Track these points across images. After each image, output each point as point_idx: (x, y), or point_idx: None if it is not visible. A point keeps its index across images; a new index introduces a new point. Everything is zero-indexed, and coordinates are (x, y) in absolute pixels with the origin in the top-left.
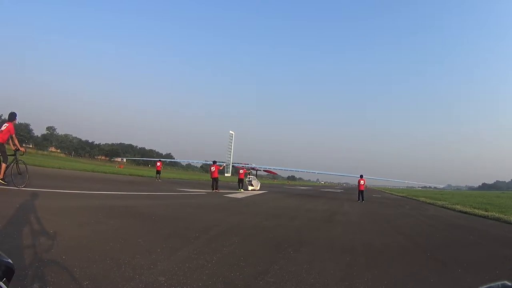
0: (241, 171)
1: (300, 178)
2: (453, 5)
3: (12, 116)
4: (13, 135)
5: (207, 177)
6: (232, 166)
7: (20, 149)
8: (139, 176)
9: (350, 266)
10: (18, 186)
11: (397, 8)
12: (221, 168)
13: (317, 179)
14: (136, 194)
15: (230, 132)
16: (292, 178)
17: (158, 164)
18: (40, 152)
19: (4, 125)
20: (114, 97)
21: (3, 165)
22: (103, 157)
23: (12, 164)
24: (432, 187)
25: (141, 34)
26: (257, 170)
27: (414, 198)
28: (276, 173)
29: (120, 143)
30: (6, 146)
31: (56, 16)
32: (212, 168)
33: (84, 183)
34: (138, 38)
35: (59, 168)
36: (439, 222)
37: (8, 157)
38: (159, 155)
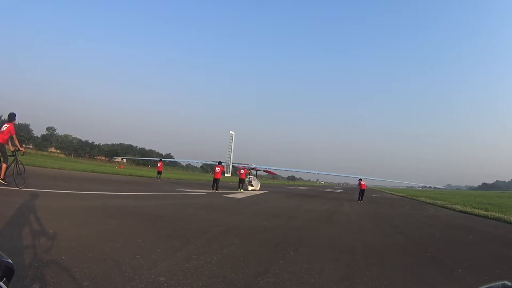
0: (242, 171)
1: (300, 178)
2: (453, 5)
3: (12, 116)
4: (14, 136)
5: (207, 177)
6: (232, 166)
7: (20, 149)
8: (139, 176)
9: (350, 266)
10: (18, 186)
11: (398, 8)
12: (224, 169)
13: (317, 179)
14: (136, 194)
15: (231, 132)
16: (292, 178)
17: (159, 164)
18: (40, 152)
19: (5, 125)
20: (114, 97)
21: (4, 165)
22: (103, 158)
23: (13, 164)
24: (432, 187)
25: (141, 34)
26: (257, 170)
27: (414, 198)
28: (275, 174)
29: (120, 143)
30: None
31: (55, 16)
32: (216, 168)
33: (84, 183)
34: (138, 38)
35: (59, 168)
36: (439, 222)
37: (8, 157)
38: (158, 155)
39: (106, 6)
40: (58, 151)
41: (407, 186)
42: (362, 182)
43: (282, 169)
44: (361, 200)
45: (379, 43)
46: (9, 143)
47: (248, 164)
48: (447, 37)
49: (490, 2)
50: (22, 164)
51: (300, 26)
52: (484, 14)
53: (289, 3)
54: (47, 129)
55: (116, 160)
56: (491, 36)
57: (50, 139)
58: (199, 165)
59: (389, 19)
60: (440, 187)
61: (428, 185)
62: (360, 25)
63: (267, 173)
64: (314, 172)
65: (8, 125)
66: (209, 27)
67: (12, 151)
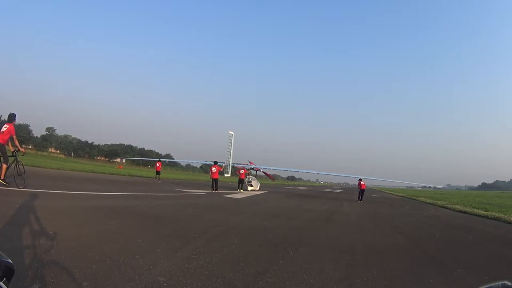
0: (241, 171)
1: (299, 178)
2: (453, 5)
3: (12, 117)
4: (14, 136)
5: (207, 177)
6: (232, 166)
7: (20, 149)
8: (138, 176)
9: (350, 266)
10: (19, 187)
11: (398, 8)
12: (221, 169)
13: (317, 179)
14: (136, 194)
15: (230, 132)
16: (291, 178)
17: (158, 164)
18: (39, 153)
19: (5, 126)
20: (114, 97)
21: (4, 166)
22: (102, 158)
23: (13, 165)
24: (432, 187)
25: (141, 34)
26: (256, 171)
27: (414, 198)
28: (273, 178)
29: (120, 144)
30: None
31: (55, 16)
32: (213, 168)
33: (84, 183)
34: (138, 38)
35: (59, 168)
36: (438, 222)
37: (9, 158)
38: (158, 155)
39: (106, 6)
40: (58, 152)
41: (407, 186)
42: (362, 182)
43: (282, 169)
44: (361, 200)
45: (379, 43)
46: (9, 143)
47: (247, 164)
48: (447, 37)
49: (490, 2)
50: (22, 164)
51: (300, 26)
52: (484, 14)
53: (289, 3)
54: (47, 129)
55: (115, 160)
56: (491, 36)
57: (49, 139)
58: (198, 165)
59: (389, 19)
60: (440, 187)
61: (428, 185)
62: (360, 25)
63: (265, 174)
64: (313, 172)
65: (8, 126)
66: (209, 27)
67: (12, 152)
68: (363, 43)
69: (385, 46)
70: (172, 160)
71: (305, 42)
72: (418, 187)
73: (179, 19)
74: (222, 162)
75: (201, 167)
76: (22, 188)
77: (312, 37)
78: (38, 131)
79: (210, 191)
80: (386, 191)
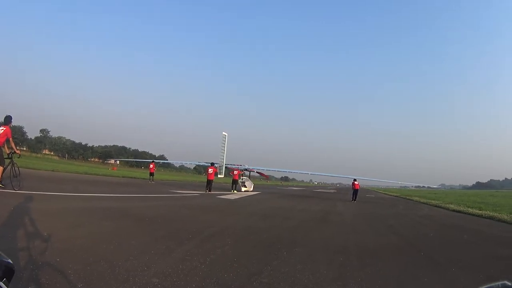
0: (235, 172)
1: (293, 179)
2: (453, 5)
3: (8, 119)
4: (10, 139)
5: (200, 178)
6: (226, 167)
7: (16, 151)
8: (132, 178)
9: (344, 266)
10: (14, 189)
11: (398, 8)
12: (217, 171)
13: (310, 180)
14: (130, 196)
15: (223, 133)
16: (285, 178)
17: (151, 166)
18: (33, 154)
19: (1, 128)
20: (107, 99)
21: (1, 168)
22: (96, 159)
23: (10, 167)
24: (426, 186)
25: (136, 35)
26: (250, 171)
27: (407, 197)
28: (267, 176)
29: (113, 145)
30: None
31: (51, 17)
32: (209, 170)
33: (78, 185)
34: (134, 39)
35: (53, 170)
36: (433, 221)
37: (5, 160)
38: (152, 156)
39: (106, 6)
40: (52, 153)
41: (400, 186)
42: (355, 182)
43: (275, 170)
44: (355, 200)
45: (379, 43)
46: (5, 145)
47: (241, 165)
48: (447, 37)
49: (490, 2)
50: (17, 166)
51: (300, 26)
52: (484, 14)
53: (289, 3)
54: (41, 131)
55: (109, 162)
56: (491, 36)
57: (43, 141)
58: (192, 167)
59: (389, 19)
60: (434, 186)
61: (422, 185)
62: (360, 25)
63: (259, 174)
64: (307, 172)
65: (4, 128)
66: (208, 27)
67: (8, 154)
68: (363, 43)
69: (385, 46)
70: (165, 161)
71: (305, 42)
72: (412, 187)
73: (179, 19)
74: (216, 163)
75: (194, 168)
76: (18, 190)
77: (312, 37)
78: (32, 133)
79: (204, 192)
80: (380, 191)
